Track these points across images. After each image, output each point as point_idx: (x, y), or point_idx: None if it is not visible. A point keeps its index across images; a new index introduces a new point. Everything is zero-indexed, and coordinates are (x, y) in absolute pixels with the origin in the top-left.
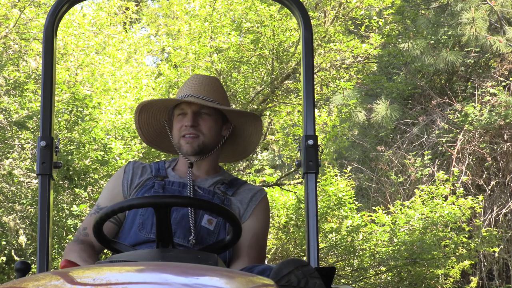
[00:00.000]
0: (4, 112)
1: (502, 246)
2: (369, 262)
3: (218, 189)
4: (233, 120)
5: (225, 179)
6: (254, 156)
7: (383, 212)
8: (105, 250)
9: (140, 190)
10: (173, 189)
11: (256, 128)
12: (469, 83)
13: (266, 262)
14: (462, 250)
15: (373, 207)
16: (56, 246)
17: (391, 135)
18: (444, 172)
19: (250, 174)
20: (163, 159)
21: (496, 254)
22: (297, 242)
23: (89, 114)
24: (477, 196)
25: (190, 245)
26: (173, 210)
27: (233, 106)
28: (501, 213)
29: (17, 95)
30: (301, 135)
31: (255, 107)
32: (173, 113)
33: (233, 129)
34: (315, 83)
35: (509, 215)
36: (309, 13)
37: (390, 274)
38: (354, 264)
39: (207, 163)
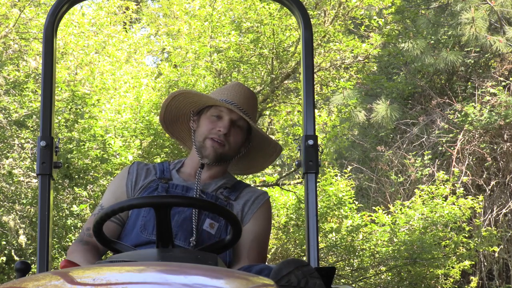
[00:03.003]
0: (3, 111)
1: (502, 246)
2: (369, 262)
3: (221, 194)
4: (255, 140)
5: (228, 183)
6: None
7: (383, 212)
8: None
9: (143, 192)
10: (177, 193)
11: (271, 157)
12: (469, 83)
13: (266, 263)
14: (462, 250)
15: (373, 207)
16: (56, 246)
17: (391, 135)
18: (444, 172)
19: (250, 174)
20: (162, 157)
21: (496, 254)
22: (297, 242)
23: (88, 112)
24: (477, 196)
25: (191, 248)
26: (175, 213)
27: None
28: (501, 213)
29: (16, 95)
30: (301, 135)
31: None
32: (205, 109)
33: (250, 148)
34: (315, 83)
35: (509, 215)
36: (308, 12)
37: (390, 274)
38: (354, 264)
39: (217, 169)
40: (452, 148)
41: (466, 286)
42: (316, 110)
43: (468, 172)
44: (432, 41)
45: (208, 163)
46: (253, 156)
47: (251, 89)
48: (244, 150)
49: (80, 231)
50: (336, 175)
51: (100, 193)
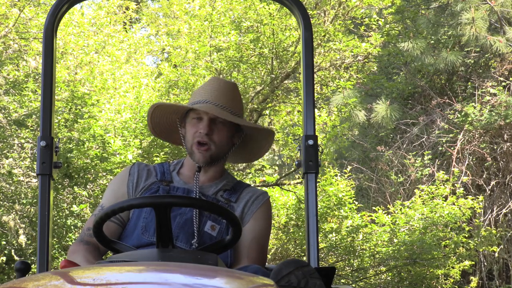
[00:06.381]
0: (3, 111)
1: (502, 246)
2: (369, 262)
3: (221, 196)
4: (246, 130)
5: (228, 184)
6: None
7: (383, 212)
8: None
9: (144, 194)
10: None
11: (267, 141)
12: (469, 83)
13: (266, 264)
14: (462, 250)
15: (373, 207)
16: (56, 246)
17: (391, 135)
18: (444, 172)
19: (250, 174)
20: (162, 156)
21: (496, 254)
22: (297, 242)
23: (88, 111)
24: (477, 196)
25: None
26: (176, 215)
27: None
28: (501, 213)
29: (16, 94)
30: (301, 135)
31: (255, 106)
32: (188, 114)
33: (244, 136)
34: (315, 83)
35: (509, 215)
36: (308, 12)
37: (390, 274)
38: (354, 264)
39: (215, 168)
40: (452, 148)
41: (466, 286)
42: (316, 110)
43: (468, 172)
44: (432, 41)
45: (202, 165)
46: (251, 146)
47: (232, 80)
48: (238, 141)
49: (81, 231)
50: (336, 175)
51: (100, 192)
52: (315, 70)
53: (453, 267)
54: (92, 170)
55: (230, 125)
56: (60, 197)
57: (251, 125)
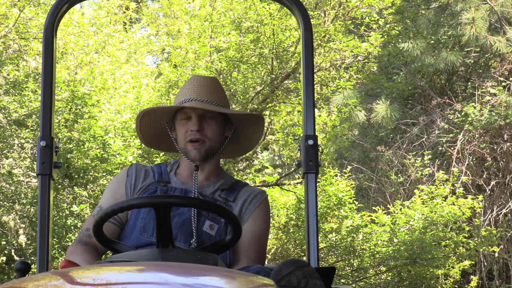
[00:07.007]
0: (3, 111)
1: (502, 246)
2: (369, 262)
3: (219, 196)
4: (235, 120)
5: (225, 183)
6: (254, 156)
7: (383, 212)
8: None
9: (142, 194)
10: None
11: (258, 128)
12: (469, 83)
13: (266, 263)
14: (462, 250)
15: (373, 207)
16: (56, 246)
17: (391, 135)
18: (444, 172)
19: (250, 174)
20: (162, 156)
21: (496, 254)
22: (297, 242)
23: (88, 112)
24: (477, 196)
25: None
26: (174, 215)
27: (233, 106)
28: (501, 213)
29: (16, 94)
30: (301, 135)
31: (255, 107)
32: (176, 116)
33: (235, 128)
34: (315, 83)
35: (509, 215)
36: (308, 12)
37: (390, 274)
38: (354, 264)
39: (211, 166)
40: (452, 148)
41: (466, 286)
42: (316, 110)
43: (468, 172)
44: (432, 41)
45: (199, 163)
46: (244, 137)
47: (212, 76)
48: (230, 133)
49: (79, 231)
50: (336, 175)
51: (100, 192)
52: (315, 70)
53: (453, 267)
54: (92, 171)
55: (219, 118)
56: (60, 197)
57: (239, 113)
